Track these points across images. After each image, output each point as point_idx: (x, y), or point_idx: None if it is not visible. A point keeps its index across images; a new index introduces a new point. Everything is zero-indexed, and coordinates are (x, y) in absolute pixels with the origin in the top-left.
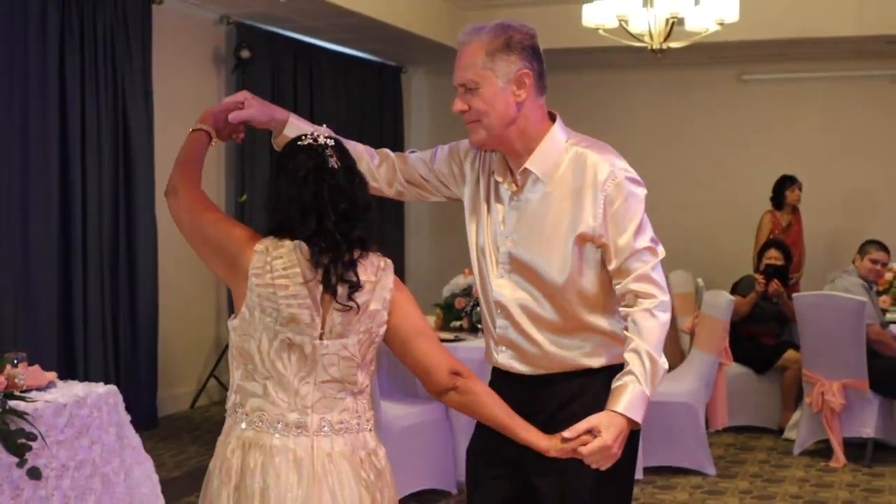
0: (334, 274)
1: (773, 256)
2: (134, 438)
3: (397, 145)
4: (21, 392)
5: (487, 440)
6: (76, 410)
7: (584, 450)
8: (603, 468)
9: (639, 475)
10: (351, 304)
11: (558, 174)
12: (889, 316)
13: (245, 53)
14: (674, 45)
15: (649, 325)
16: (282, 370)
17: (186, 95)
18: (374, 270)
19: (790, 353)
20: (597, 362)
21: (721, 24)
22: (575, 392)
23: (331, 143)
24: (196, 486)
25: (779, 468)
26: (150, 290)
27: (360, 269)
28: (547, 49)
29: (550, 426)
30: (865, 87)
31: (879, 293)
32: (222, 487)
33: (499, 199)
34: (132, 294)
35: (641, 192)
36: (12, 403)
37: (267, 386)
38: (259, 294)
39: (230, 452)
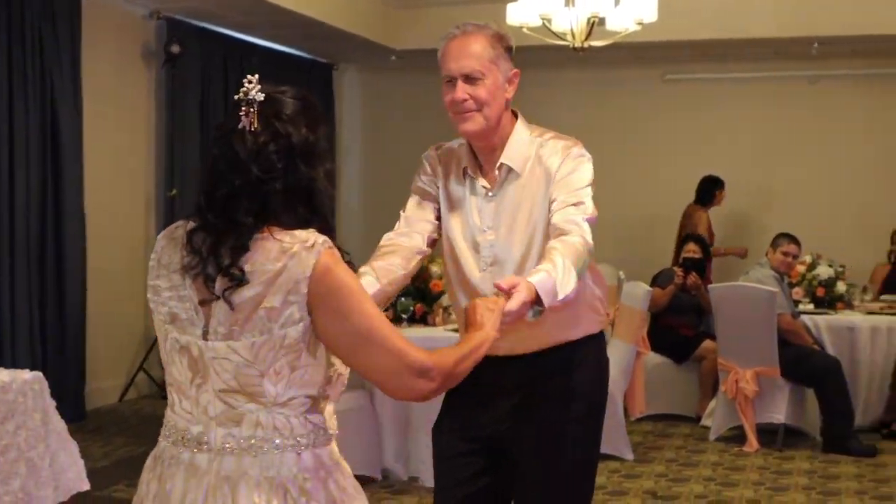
0: (211, 262)
1: (692, 250)
2: (59, 424)
3: (329, 142)
4: None
5: (455, 417)
6: (1, 396)
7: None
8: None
9: None
10: (229, 298)
11: (528, 167)
12: (801, 307)
13: (175, 49)
14: (595, 44)
15: (570, 243)
16: (177, 375)
17: (116, 90)
18: (279, 256)
19: (708, 344)
20: (575, 333)
21: (640, 24)
22: (558, 365)
23: (259, 97)
24: (123, 476)
25: (694, 453)
26: (77, 284)
27: (256, 255)
28: None
29: (533, 399)
30: (785, 87)
31: (792, 285)
32: None
33: (474, 193)
34: (60, 287)
35: (589, 165)
36: None
37: (172, 395)
38: (150, 288)
39: (145, 473)
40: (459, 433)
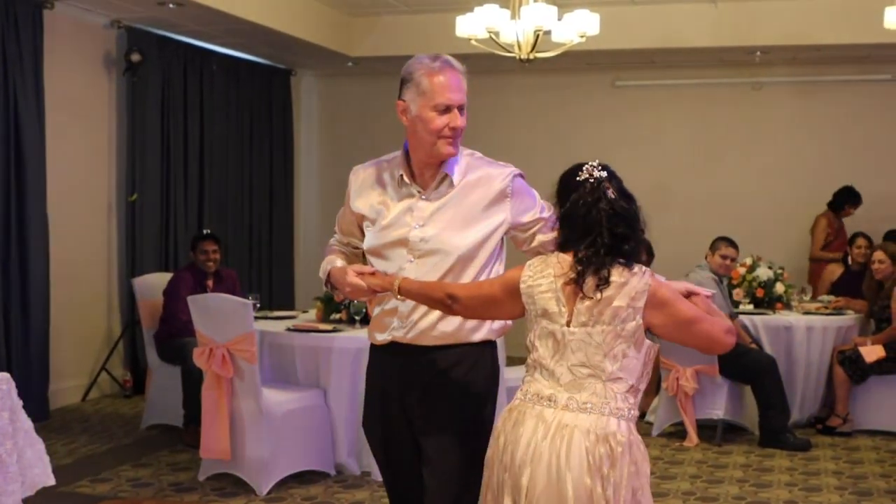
0: (589, 272)
1: None
2: (26, 422)
3: (287, 147)
4: None
5: (373, 409)
6: None
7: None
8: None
9: None
10: (595, 294)
11: (464, 180)
12: (742, 307)
13: (135, 57)
14: (541, 55)
15: None
16: (542, 352)
17: (78, 98)
18: (626, 273)
19: None
20: (477, 336)
21: (584, 36)
22: (452, 362)
23: (604, 175)
24: (87, 472)
25: None
26: (41, 288)
27: (613, 271)
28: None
29: (428, 394)
30: (728, 93)
31: (734, 286)
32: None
33: (409, 196)
34: (23, 291)
35: (522, 180)
36: None
37: (534, 368)
38: (526, 294)
39: (500, 421)
40: (381, 423)
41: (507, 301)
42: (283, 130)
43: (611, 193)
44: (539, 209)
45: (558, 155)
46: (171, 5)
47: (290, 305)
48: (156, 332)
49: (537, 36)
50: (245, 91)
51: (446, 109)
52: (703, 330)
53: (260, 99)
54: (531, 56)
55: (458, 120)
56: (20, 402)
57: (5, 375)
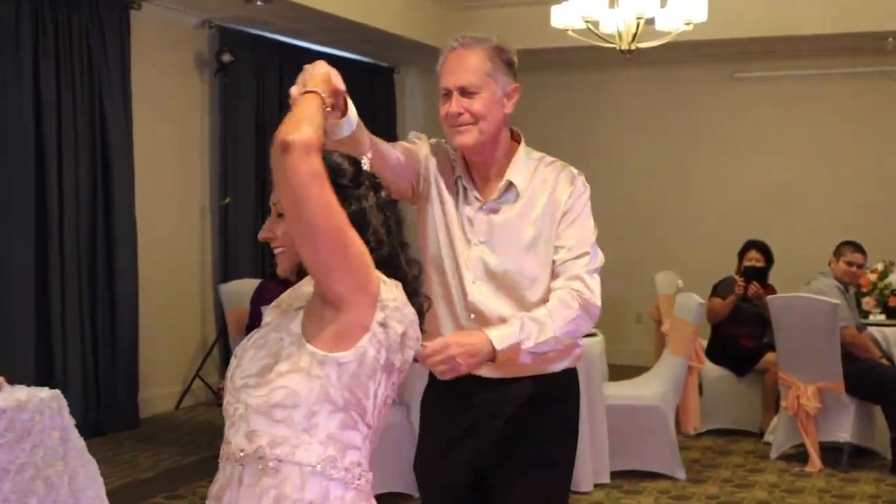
0: None
1: (754, 258)
2: (78, 441)
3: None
4: None
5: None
6: (17, 414)
7: (426, 349)
8: (440, 373)
9: (605, 480)
10: None
11: (531, 188)
12: (872, 318)
13: (226, 57)
14: (644, 45)
15: (563, 304)
16: None
17: (167, 100)
18: None
19: (770, 356)
20: (559, 366)
21: (689, 24)
22: (532, 395)
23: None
24: (163, 488)
25: (752, 473)
26: (129, 293)
27: None
28: (522, 49)
29: (508, 429)
30: (858, 84)
31: (863, 295)
32: None
33: (467, 203)
34: (111, 295)
35: (588, 199)
36: None
37: None
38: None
39: None
40: (440, 469)
41: None
42: (387, 130)
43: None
44: (582, 241)
45: (670, 155)
46: (259, 2)
47: None
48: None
49: (639, 24)
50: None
51: (446, 94)
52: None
53: (361, 98)
54: (632, 46)
55: (452, 104)
56: (72, 422)
57: (56, 393)
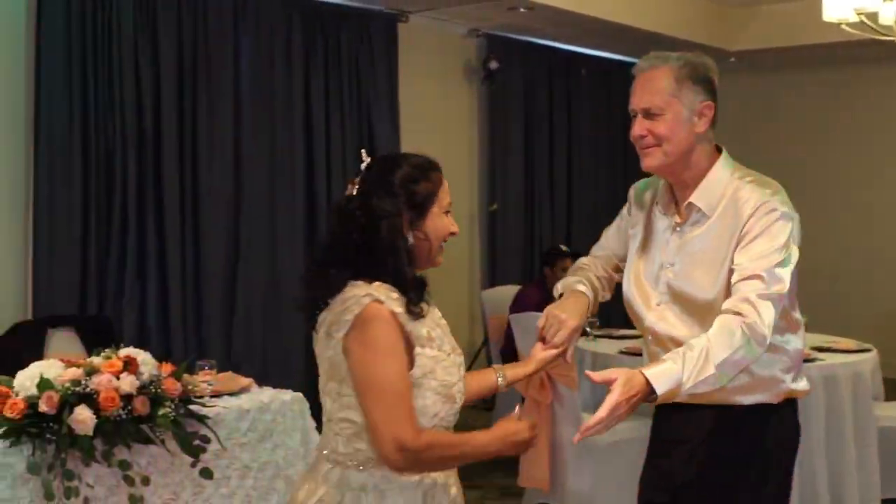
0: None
1: None
2: None
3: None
4: (211, 397)
5: (646, 467)
6: (259, 416)
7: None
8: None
9: None
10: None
11: (720, 209)
12: None
13: (493, 65)
14: None
15: (724, 331)
16: None
17: (435, 108)
18: (343, 300)
19: None
20: (747, 400)
21: None
22: (716, 425)
23: (364, 165)
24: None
25: None
26: None
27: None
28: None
29: (693, 456)
30: None
31: None
32: None
33: (667, 228)
34: None
35: (785, 225)
36: (193, 408)
37: None
38: None
39: None
40: (647, 482)
41: None
42: None
43: (350, 189)
44: (757, 262)
45: None
46: (521, 9)
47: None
48: (501, 348)
49: None
50: (617, 96)
51: (634, 115)
52: (373, 412)
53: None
54: None
55: (635, 127)
56: (313, 424)
57: (298, 396)
